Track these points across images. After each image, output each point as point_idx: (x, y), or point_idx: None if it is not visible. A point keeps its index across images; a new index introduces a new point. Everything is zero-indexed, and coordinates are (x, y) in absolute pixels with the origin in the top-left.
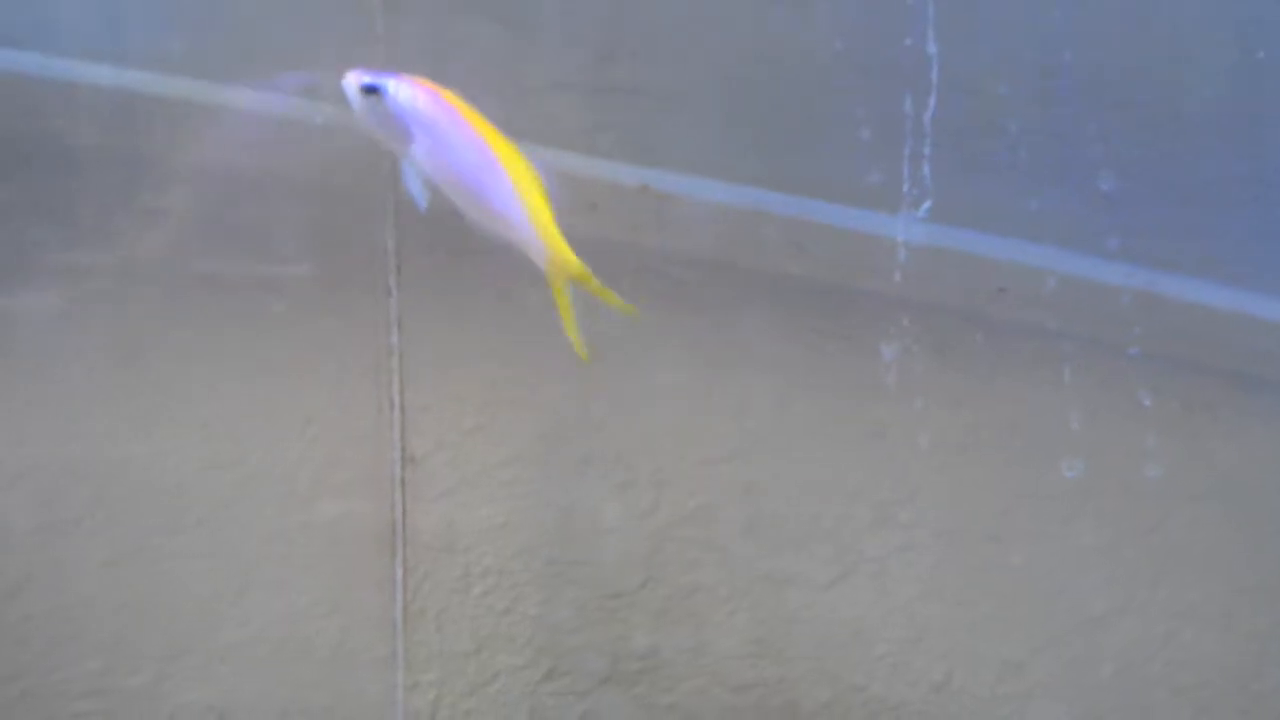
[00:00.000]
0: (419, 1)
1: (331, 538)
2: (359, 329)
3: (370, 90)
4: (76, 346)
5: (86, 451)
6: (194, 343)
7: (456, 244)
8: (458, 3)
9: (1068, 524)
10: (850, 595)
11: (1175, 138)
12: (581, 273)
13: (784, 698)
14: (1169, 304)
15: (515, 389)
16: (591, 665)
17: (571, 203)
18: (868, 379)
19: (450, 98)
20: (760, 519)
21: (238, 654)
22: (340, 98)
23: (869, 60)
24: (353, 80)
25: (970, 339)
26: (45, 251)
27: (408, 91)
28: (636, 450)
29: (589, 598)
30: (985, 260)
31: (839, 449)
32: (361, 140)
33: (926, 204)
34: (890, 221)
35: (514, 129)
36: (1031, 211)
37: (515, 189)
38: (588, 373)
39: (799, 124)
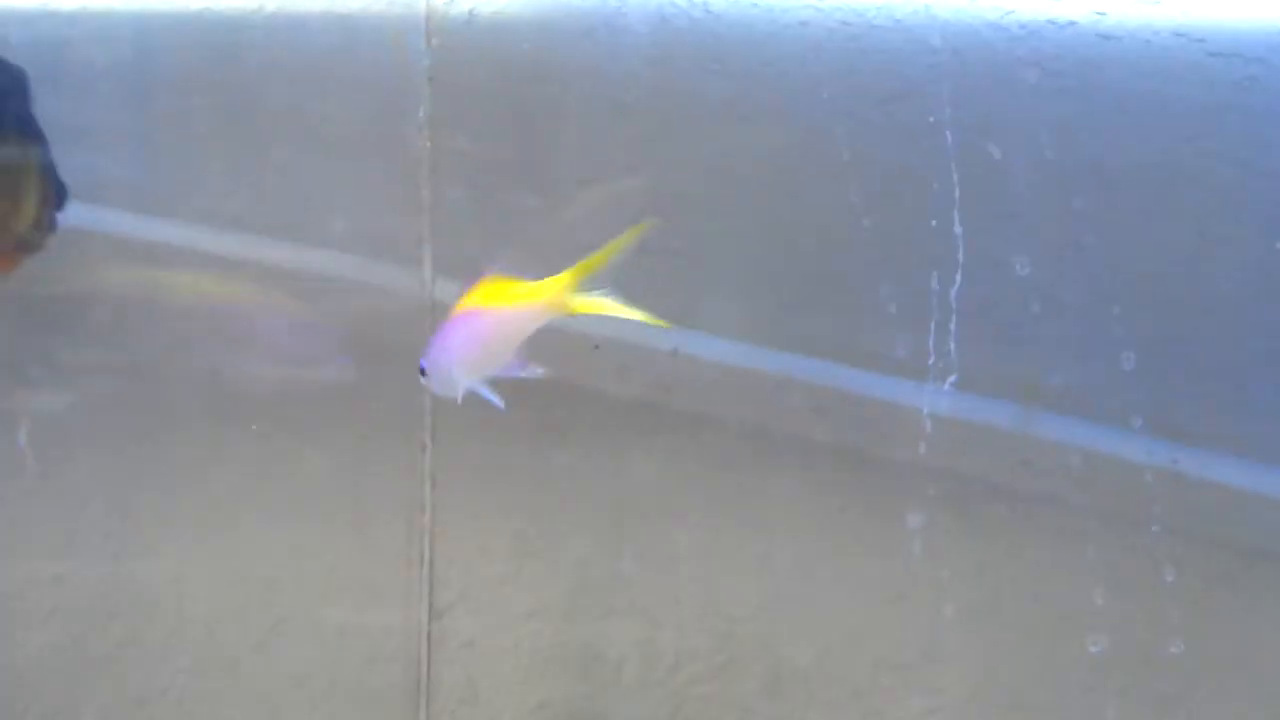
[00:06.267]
0: (462, 170)
1: (357, 685)
2: (393, 482)
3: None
4: (120, 489)
5: (122, 590)
6: (232, 489)
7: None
8: (498, 171)
9: (1091, 694)
10: None
11: (1198, 317)
12: (577, 305)
13: None
14: (1191, 481)
15: (542, 542)
16: None
17: (604, 364)
18: (892, 544)
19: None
20: (783, 679)
21: None
22: (377, 254)
23: (897, 237)
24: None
25: (994, 509)
26: (85, 395)
27: (436, 361)
28: (660, 606)
29: None
30: (1009, 433)
31: (863, 611)
32: (402, 298)
33: (952, 377)
34: (916, 391)
35: None
36: (1055, 387)
37: (516, 310)
38: (615, 528)
39: (828, 294)
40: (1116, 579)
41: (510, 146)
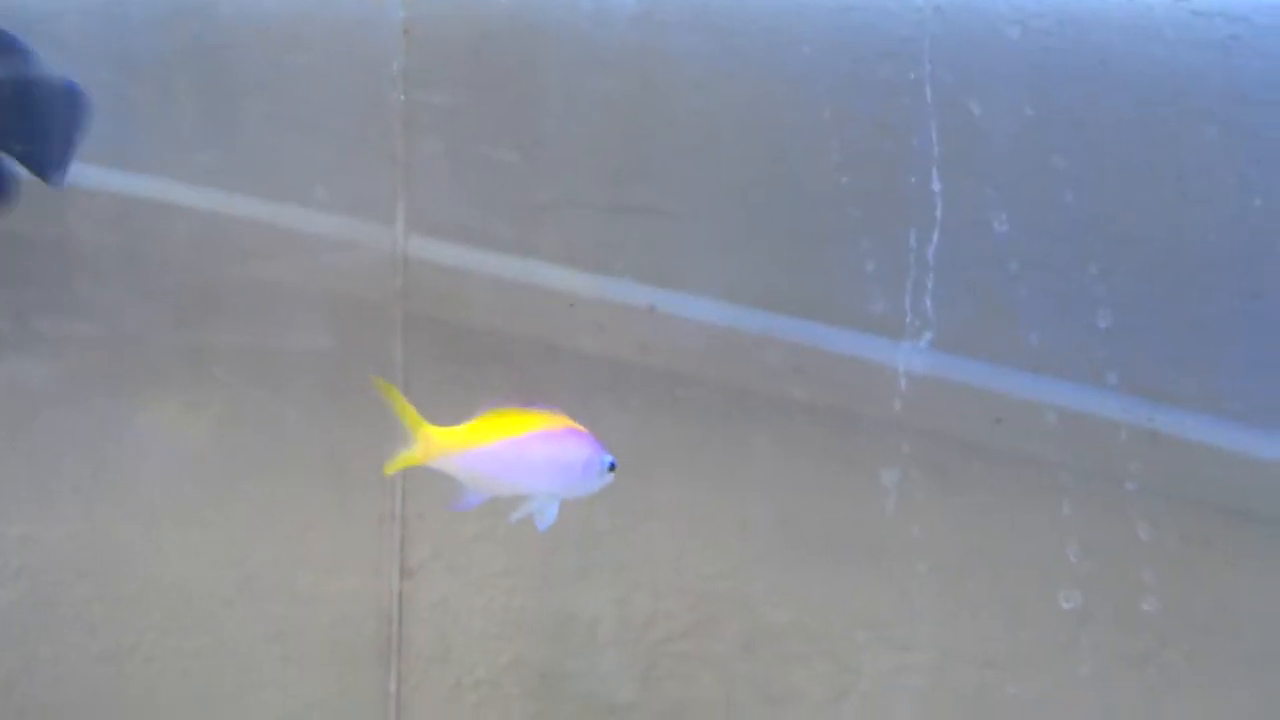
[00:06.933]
0: (437, 122)
1: (328, 643)
2: (365, 439)
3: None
4: (86, 444)
5: (90, 547)
6: (201, 444)
7: (464, 355)
8: (474, 124)
9: (1064, 652)
10: (846, 715)
11: (1176, 275)
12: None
13: None
14: (1167, 439)
15: (516, 500)
16: None
17: (580, 321)
18: (867, 501)
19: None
20: (757, 636)
21: None
22: (349, 209)
23: (876, 195)
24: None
25: (969, 467)
26: (58, 351)
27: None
28: (635, 564)
29: (582, 711)
30: (984, 391)
31: (838, 569)
32: (374, 254)
33: (928, 334)
34: (892, 349)
35: (526, 246)
36: (1031, 345)
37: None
38: None
39: (806, 252)
40: (1091, 536)
41: (487, 101)
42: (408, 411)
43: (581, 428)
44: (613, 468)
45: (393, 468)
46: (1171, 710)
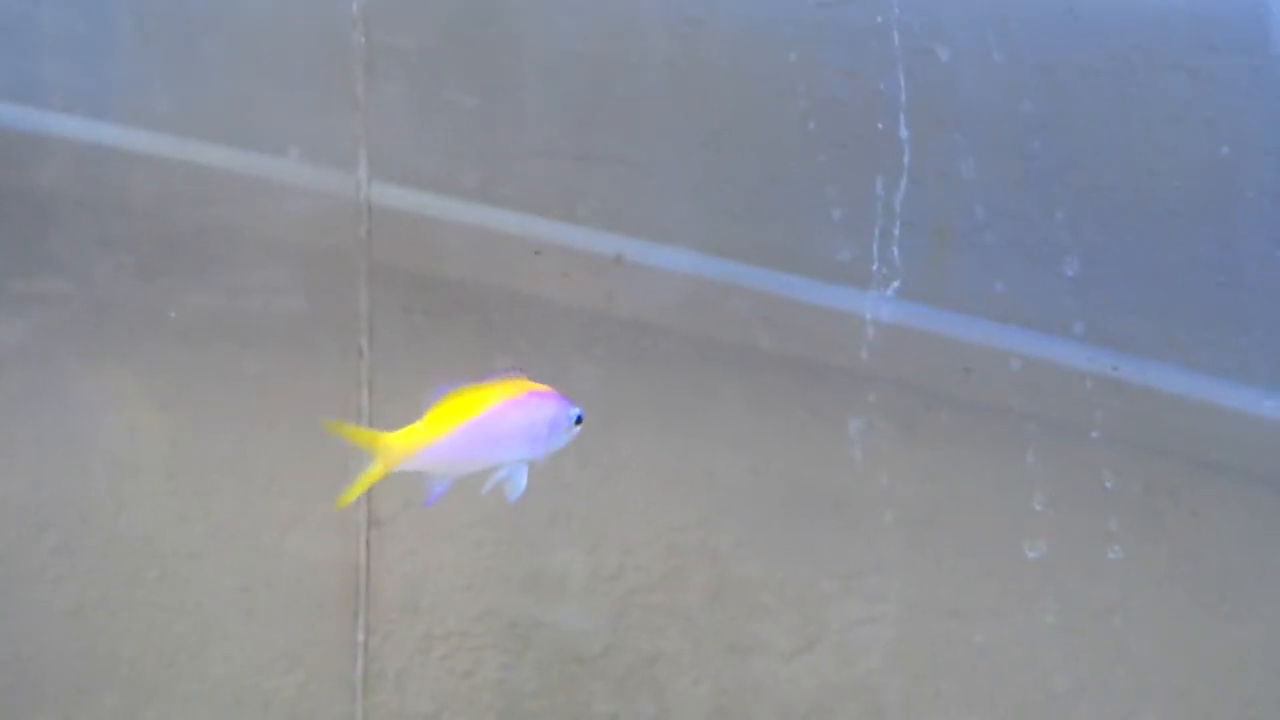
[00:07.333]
0: (399, 67)
1: (295, 594)
2: (329, 389)
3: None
4: (48, 395)
5: (54, 500)
6: (166, 396)
7: (429, 306)
8: (438, 69)
9: (1030, 602)
10: (813, 666)
11: (1143, 224)
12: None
13: None
14: (1132, 388)
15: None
16: None
17: (546, 270)
18: (834, 452)
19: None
20: (725, 587)
21: (196, 707)
22: (309, 155)
23: (843, 141)
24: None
25: (936, 417)
26: (18, 299)
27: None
28: (603, 515)
29: (551, 662)
30: (951, 340)
31: (805, 519)
32: (336, 201)
33: (895, 283)
34: (859, 299)
35: (492, 194)
36: (998, 293)
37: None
38: None
39: (773, 200)
40: (1056, 486)
41: (450, 44)
42: (359, 434)
43: (541, 386)
44: (579, 420)
45: (355, 491)
46: (1136, 659)
